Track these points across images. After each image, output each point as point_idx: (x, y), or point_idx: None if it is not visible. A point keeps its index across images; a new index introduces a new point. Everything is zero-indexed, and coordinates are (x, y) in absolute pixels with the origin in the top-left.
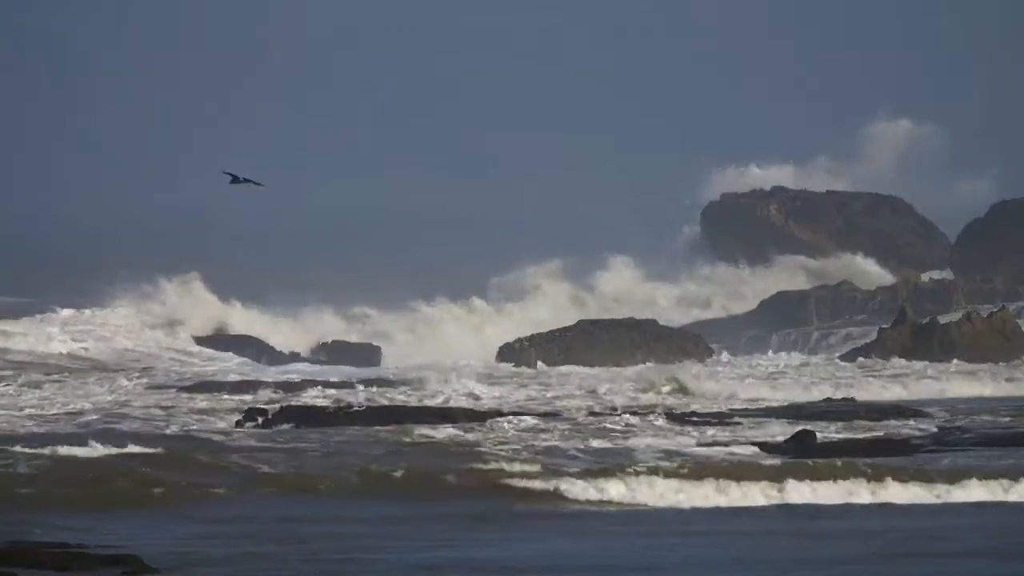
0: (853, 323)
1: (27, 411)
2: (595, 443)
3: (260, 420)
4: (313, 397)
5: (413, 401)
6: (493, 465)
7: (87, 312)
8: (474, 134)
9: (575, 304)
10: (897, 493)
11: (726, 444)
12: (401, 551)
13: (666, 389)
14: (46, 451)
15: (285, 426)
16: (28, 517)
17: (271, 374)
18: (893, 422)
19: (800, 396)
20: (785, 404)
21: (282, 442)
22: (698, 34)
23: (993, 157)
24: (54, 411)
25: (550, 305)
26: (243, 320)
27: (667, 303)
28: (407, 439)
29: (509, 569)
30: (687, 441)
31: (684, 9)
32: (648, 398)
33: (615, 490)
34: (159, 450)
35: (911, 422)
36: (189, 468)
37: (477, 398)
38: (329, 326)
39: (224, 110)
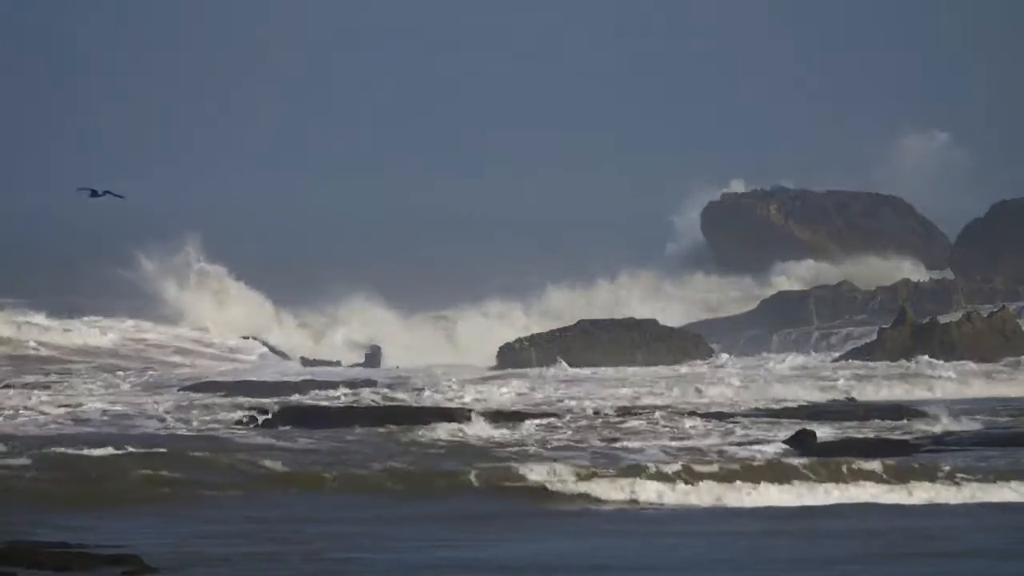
0: (853, 323)
1: (27, 410)
2: (595, 443)
3: (261, 420)
4: (313, 397)
5: (413, 401)
6: (493, 465)
7: (87, 312)
8: (474, 134)
9: (575, 304)
10: (897, 493)
11: (726, 444)
12: (401, 551)
13: (666, 389)
14: (46, 450)
15: (286, 426)
16: (28, 517)
17: (272, 374)
18: (893, 422)
19: (800, 396)
20: (785, 404)
21: (283, 442)
22: (698, 34)
23: (993, 157)
24: (54, 410)
25: (550, 305)
26: (243, 319)
27: (667, 303)
28: (407, 439)
29: (509, 569)
30: (687, 441)
31: (684, 9)
32: (649, 398)
33: (615, 490)
34: (160, 450)
35: (911, 422)
36: (190, 468)
37: (477, 398)
38: (329, 326)
39: (224, 110)
